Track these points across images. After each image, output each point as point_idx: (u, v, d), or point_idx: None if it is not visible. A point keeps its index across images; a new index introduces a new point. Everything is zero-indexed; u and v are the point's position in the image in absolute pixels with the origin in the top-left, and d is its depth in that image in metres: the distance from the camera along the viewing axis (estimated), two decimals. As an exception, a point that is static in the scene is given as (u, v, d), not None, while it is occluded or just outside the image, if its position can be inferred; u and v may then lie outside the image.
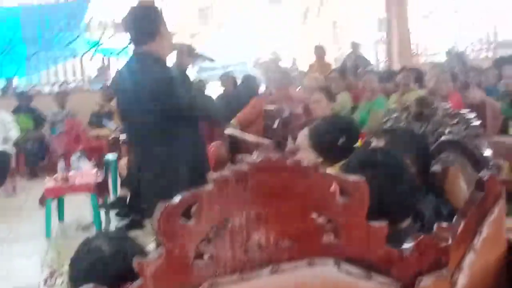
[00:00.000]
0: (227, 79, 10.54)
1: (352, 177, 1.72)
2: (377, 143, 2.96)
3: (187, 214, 1.60)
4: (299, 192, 1.67)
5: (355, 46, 14.34)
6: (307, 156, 3.53)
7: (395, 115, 3.26)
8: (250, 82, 10.20)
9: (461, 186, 2.69)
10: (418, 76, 8.97)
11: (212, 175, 1.60)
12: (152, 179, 3.82)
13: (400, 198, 2.24)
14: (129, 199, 7.11)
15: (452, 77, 7.95)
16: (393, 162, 2.32)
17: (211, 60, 4.39)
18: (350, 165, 2.37)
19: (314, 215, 1.70)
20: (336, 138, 3.42)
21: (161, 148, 3.74)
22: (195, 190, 1.58)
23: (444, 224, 1.88)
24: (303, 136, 3.50)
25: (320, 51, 13.56)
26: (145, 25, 3.75)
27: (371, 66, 13.81)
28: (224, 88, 10.53)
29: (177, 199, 1.56)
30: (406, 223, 2.28)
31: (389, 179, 2.23)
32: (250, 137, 7.24)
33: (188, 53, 3.95)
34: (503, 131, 7.07)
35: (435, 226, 1.87)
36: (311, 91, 6.91)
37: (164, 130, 3.70)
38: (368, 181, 1.81)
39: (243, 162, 1.63)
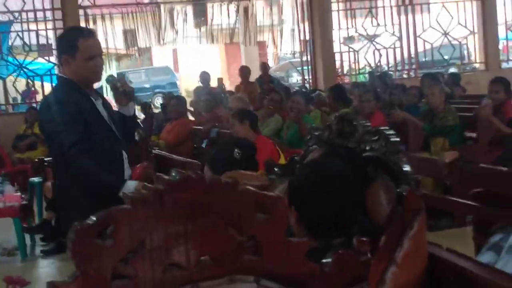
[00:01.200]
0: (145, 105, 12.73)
1: (271, 193, 1.72)
2: (311, 156, 3.00)
3: (103, 235, 1.58)
4: (218, 209, 1.67)
5: (264, 66, 14.52)
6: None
7: (317, 133, 3.29)
8: (179, 102, 10.22)
9: (381, 202, 2.72)
10: (343, 95, 9.16)
11: (128, 194, 1.57)
12: (67, 203, 3.73)
13: (337, 215, 2.26)
14: (55, 222, 6.96)
15: (375, 97, 8.11)
16: (332, 177, 2.35)
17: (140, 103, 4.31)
18: (294, 180, 2.39)
19: (234, 232, 1.70)
20: (231, 152, 3.54)
21: (72, 171, 3.64)
22: (110, 210, 1.56)
23: (363, 238, 1.90)
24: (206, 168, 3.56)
25: (245, 72, 13.64)
26: (57, 49, 3.77)
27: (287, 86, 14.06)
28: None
29: (91, 219, 1.53)
30: (339, 240, 2.30)
31: (328, 194, 2.25)
32: (177, 157, 7.19)
33: (121, 92, 3.82)
34: (425, 148, 7.25)
35: (354, 240, 1.89)
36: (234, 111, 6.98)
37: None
38: (308, 195, 1.83)
39: (160, 181, 1.62)
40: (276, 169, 3.54)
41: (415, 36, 15.01)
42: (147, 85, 28.40)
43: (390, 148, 2.90)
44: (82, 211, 3.42)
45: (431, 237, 2.20)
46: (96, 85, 3.96)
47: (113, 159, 3.72)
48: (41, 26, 13.29)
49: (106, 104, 3.90)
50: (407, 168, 2.80)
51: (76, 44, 3.58)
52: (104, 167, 3.59)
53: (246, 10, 14.77)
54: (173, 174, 1.63)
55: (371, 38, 14.87)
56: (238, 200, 1.69)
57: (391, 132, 2.96)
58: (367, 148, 3.01)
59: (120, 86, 3.86)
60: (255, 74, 14.25)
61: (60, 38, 3.83)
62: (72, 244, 1.50)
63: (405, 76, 14.91)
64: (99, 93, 3.92)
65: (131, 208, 1.57)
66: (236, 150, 3.51)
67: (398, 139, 2.92)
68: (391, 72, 14.59)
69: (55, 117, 3.55)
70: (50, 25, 13.20)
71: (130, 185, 3.52)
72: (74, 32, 3.82)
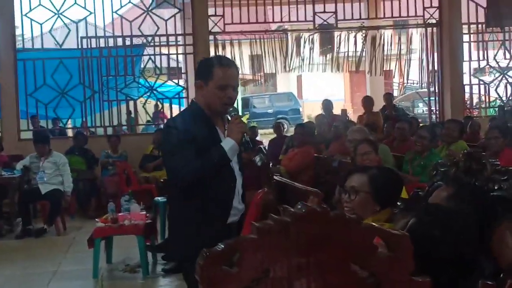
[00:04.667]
0: (278, 126, 13.09)
1: (396, 231, 1.71)
2: (436, 195, 2.96)
3: (229, 263, 1.62)
4: (341, 244, 1.67)
5: (387, 97, 14.31)
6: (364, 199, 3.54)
7: (443, 169, 3.23)
8: (305, 131, 10.29)
9: (508, 244, 2.63)
10: (461, 128, 8.93)
11: (255, 224, 1.61)
12: (174, 231, 3.81)
13: (463, 258, 2.22)
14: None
15: (502, 133, 7.76)
16: (457, 224, 2.31)
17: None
18: (415, 224, 2.33)
19: (356, 268, 1.70)
20: (395, 188, 3.61)
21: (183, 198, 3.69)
22: (238, 238, 1.60)
23: (489, 282, 1.85)
24: (360, 180, 3.59)
25: (368, 102, 13.52)
26: (197, 74, 3.78)
27: (410, 117, 13.84)
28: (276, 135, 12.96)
29: (220, 246, 1.58)
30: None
31: (459, 240, 2.22)
32: (298, 185, 7.22)
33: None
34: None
35: (480, 283, 1.84)
36: (355, 143, 6.93)
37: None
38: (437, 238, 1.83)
39: (286, 212, 1.64)
40: (399, 203, 3.50)
41: (550, 71, 14.45)
42: (270, 111, 28.77)
43: (520, 188, 2.81)
44: (189, 237, 3.53)
45: None
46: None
47: (222, 191, 3.67)
48: (172, 50, 13.75)
49: None
50: (537, 211, 2.70)
51: (212, 71, 3.62)
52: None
53: (373, 39, 14.72)
54: (299, 206, 1.65)
55: (503, 71, 14.41)
56: (361, 235, 1.69)
57: (522, 172, 2.87)
58: (496, 187, 2.93)
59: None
60: (379, 103, 14.13)
61: (199, 63, 3.86)
62: (200, 269, 1.55)
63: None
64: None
65: (257, 237, 1.61)
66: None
67: (529, 180, 2.82)
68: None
69: (170, 141, 3.65)
70: (180, 49, 13.65)
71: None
72: (213, 59, 3.82)
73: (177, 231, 3.76)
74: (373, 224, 1.71)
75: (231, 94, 3.64)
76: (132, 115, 13.99)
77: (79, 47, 12.86)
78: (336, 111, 15.12)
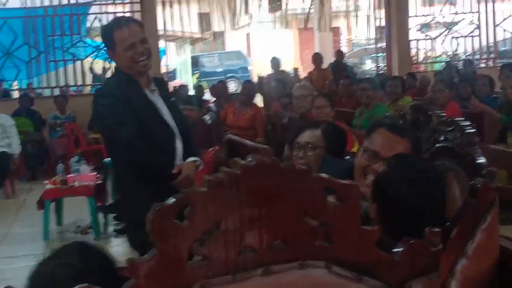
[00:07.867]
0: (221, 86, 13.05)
1: (344, 181, 1.74)
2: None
3: (180, 217, 1.63)
4: (292, 195, 1.69)
5: (339, 54, 14.40)
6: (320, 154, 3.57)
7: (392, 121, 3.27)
8: (251, 87, 10.30)
9: (454, 193, 2.70)
10: (403, 84, 9.07)
11: (206, 177, 1.62)
12: (126, 195, 3.83)
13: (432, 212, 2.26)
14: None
15: (448, 86, 7.97)
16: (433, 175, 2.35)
17: None
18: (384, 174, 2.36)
19: (307, 218, 1.73)
20: (344, 140, 3.76)
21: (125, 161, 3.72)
22: (188, 192, 1.61)
23: (435, 229, 1.90)
24: (315, 135, 3.68)
25: (318, 59, 13.56)
26: (104, 45, 3.87)
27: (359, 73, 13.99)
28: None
29: (171, 200, 1.58)
30: None
31: (429, 192, 2.25)
32: (249, 142, 7.25)
33: None
34: (502, 140, 7.11)
35: (426, 230, 1.89)
36: (302, 100, 7.00)
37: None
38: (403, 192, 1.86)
39: (236, 165, 1.66)
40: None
41: (495, 25, 14.66)
42: (219, 69, 28.55)
43: (465, 139, 2.87)
44: (138, 204, 3.50)
45: (503, 230, 2.17)
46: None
47: (163, 151, 3.72)
48: (119, 8, 13.52)
49: (165, 94, 3.92)
50: (481, 160, 2.77)
51: (112, 36, 3.66)
52: (154, 150, 3.62)
53: (321, -5, 14.72)
54: (249, 159, 1.66)
55: (448, 26, 14.59)
56: (311, 186, 1.72)
57: (467, 123, 2.93)
58: (441, 138, 2.99)
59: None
60: (328, 60, 14.19)
61: (101, 35, 3.95)
62: (151, 224, 1.56)
63: (482, 65, 14.59)
64: (159, 81, 3.90)
65: (208, 190, 1.62)
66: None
67: (473, 130, 2.88)
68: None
69: (110, 110, 3.63)
70: (127, 7, 13.42)
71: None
72: (110, 25, 3.86)
73: (124, 194, 3.80)
74: (323, 174, 1.73)
75: (140, 50, 3.66)
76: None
77: (23, 6, 12.54)
78: (286, 68, 15.12)
